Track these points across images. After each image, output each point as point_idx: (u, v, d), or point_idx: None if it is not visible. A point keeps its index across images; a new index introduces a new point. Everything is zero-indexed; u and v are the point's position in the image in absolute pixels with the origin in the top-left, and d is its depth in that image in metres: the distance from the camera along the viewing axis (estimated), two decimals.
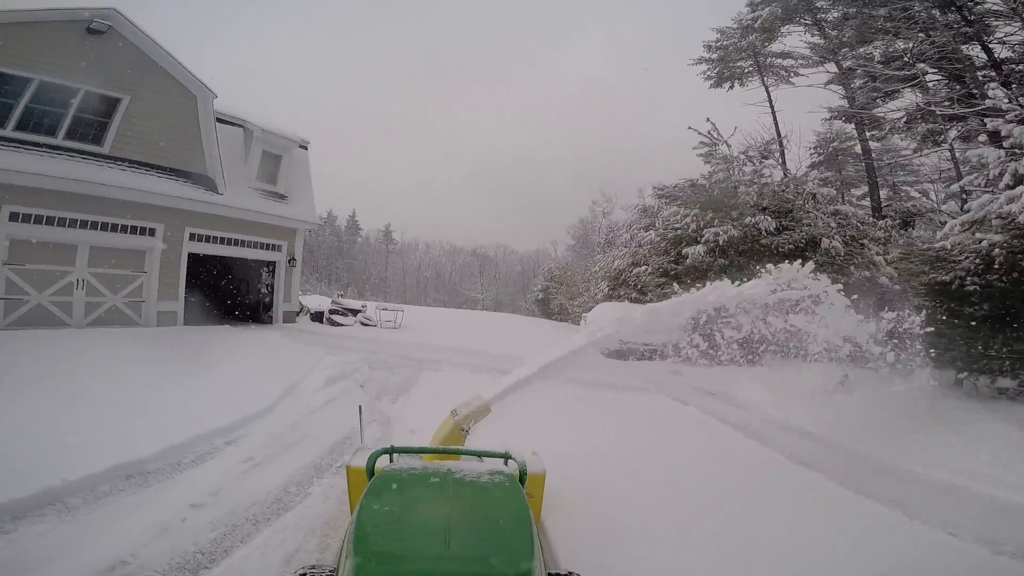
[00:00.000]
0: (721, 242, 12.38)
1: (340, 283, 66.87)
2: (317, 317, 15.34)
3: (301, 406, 6.73)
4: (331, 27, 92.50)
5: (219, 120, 14.04)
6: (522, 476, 2.47)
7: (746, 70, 19.42)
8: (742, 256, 12.43)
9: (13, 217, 9.84)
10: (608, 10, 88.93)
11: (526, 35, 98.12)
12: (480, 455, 2.74)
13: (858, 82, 16.42)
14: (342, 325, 15.17)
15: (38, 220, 10.17)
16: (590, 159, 77.84)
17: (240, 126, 14.79)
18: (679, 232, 13.66)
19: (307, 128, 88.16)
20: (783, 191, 13.62)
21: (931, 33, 13.55)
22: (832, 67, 17.63)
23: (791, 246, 12.15)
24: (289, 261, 15.31)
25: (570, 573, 2.20)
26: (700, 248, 12.74)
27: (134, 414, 5.58)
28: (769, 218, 12.65)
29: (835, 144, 18.71)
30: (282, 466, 4.92)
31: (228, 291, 16.37)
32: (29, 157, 9.94)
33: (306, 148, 16.82)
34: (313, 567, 2.23)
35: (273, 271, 15.30)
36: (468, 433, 3.79)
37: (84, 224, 10.96)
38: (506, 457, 2.67)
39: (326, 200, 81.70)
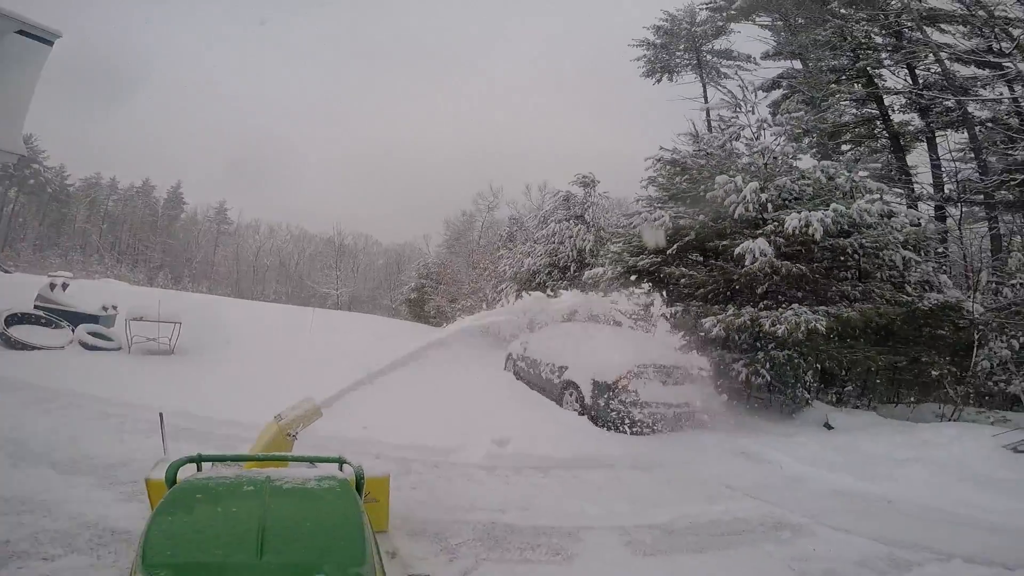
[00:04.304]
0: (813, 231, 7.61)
1: (150, 266, 52.71)
2: None
3: None
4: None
5: None
6: (360, 480, 2.16)
7: (681, 63, 17.01)
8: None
9: None
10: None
11: (426, 35, 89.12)
12: (311, 460, 2.31)
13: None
14: (34, 347, 7.46)
15: None
16: (471, 158, 73.00)
17: None
18: (674, 224, 8.47)
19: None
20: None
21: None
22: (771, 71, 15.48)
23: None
24: None
25: None
26: (760, 245, 7.77)
27: None
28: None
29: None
30: None
31: None
32: None
33: (48, 43, 8.82)
34: None
35: None
36: (296, 439, 3.30)
37: None
38: (340, 462, 2.25)
39: (142, 166, 64.88)
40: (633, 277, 9.55)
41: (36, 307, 8.40)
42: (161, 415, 3.38)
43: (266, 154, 75.66)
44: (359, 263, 56.05)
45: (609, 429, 6.75)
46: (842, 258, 8.82)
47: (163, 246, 56.14)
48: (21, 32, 8.57)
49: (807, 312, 7.40)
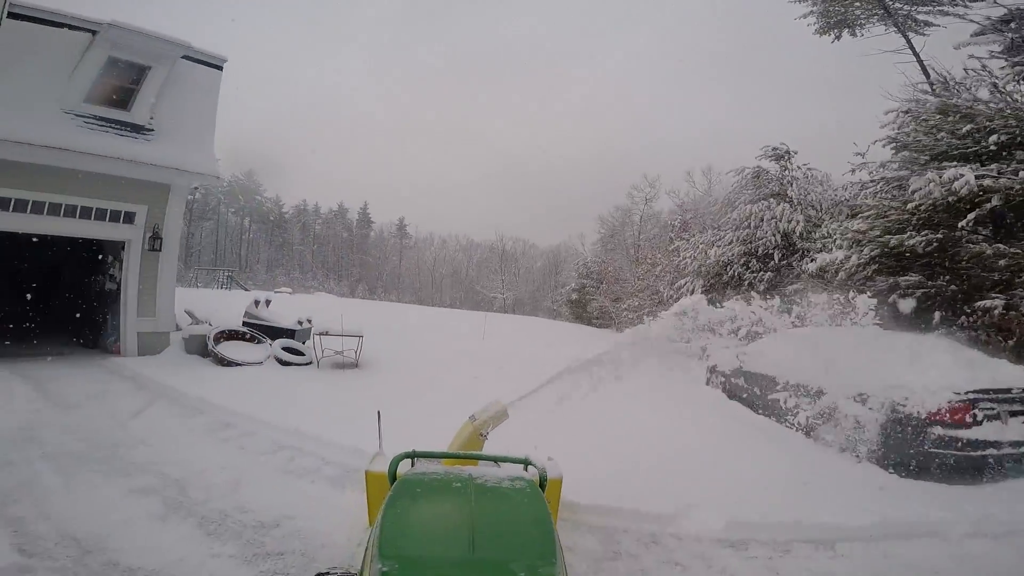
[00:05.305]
0: None
1: (351, 279, 60.57)
2: (197, 345, 8.24)
3: None
4: (343, 35, 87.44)
5: (39, 20, 7.75)
6: (542, 481, 2.39)
7: (862, 16, 14.00)
8: None
9: None
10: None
11: (553, 38, 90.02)
12: (500, 460, 2.64)
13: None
14: (236, 364, 7.89)
15: None
16: (613, 155, 70.55)
17: (88, 31, 8.10)
18: None
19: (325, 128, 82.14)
20: None
21: None
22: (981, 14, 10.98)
23: None
24: (150, 240, 8.28)
25: None
26: None
27: None
28: None
29: None
30: None
31: (28, 296, 9.77)
32: None
33: (218, 68, 9.71)
34: (333, 568, 2.21)
35: (119, 260, 8.31)
36: (486, 438, 3.57)
37: None
38: (526, 463, 2.48)
39: (335, 193, 75.97)
40: (890, 263, 6.90)
41: (244, 323, 9.11)
42: (379, 413, 3.56)
43: (429, 173, 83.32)
44: (519, 267, 57.19)
45: (904, 475, 4.58)
46: None
47: (359, 261, 64.07)
48: (187, 57, 9.02)
49: None
